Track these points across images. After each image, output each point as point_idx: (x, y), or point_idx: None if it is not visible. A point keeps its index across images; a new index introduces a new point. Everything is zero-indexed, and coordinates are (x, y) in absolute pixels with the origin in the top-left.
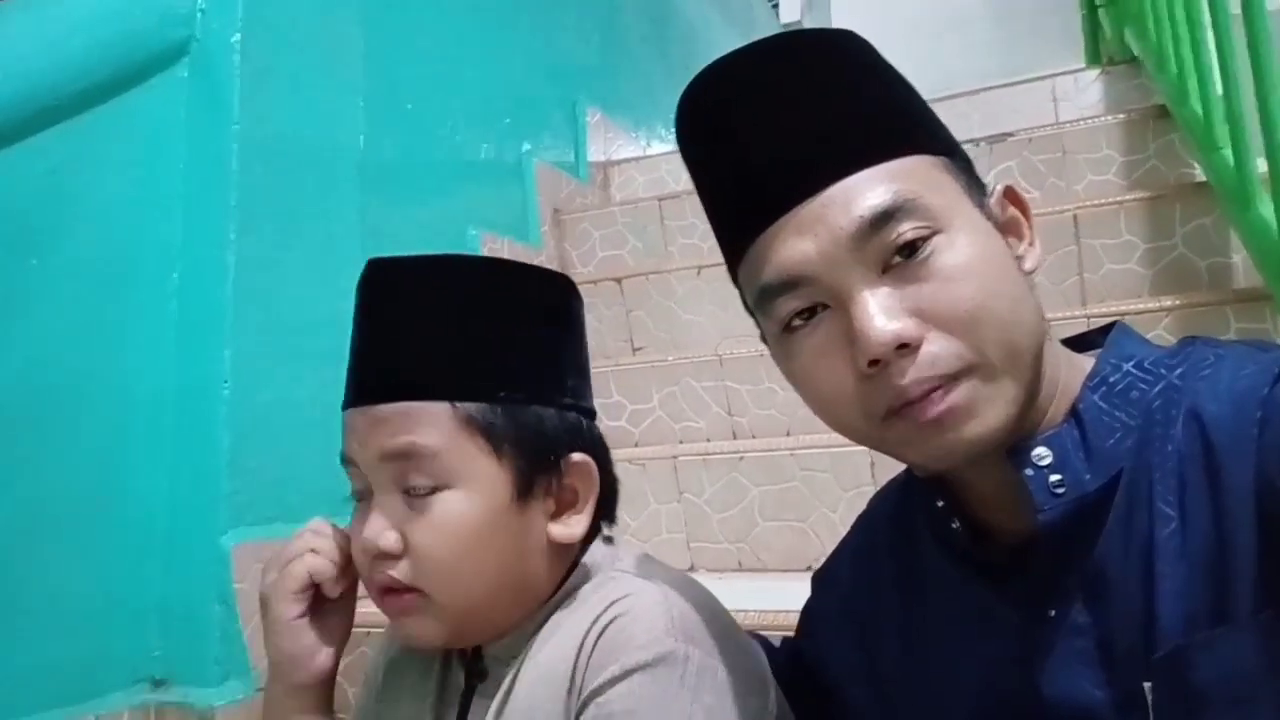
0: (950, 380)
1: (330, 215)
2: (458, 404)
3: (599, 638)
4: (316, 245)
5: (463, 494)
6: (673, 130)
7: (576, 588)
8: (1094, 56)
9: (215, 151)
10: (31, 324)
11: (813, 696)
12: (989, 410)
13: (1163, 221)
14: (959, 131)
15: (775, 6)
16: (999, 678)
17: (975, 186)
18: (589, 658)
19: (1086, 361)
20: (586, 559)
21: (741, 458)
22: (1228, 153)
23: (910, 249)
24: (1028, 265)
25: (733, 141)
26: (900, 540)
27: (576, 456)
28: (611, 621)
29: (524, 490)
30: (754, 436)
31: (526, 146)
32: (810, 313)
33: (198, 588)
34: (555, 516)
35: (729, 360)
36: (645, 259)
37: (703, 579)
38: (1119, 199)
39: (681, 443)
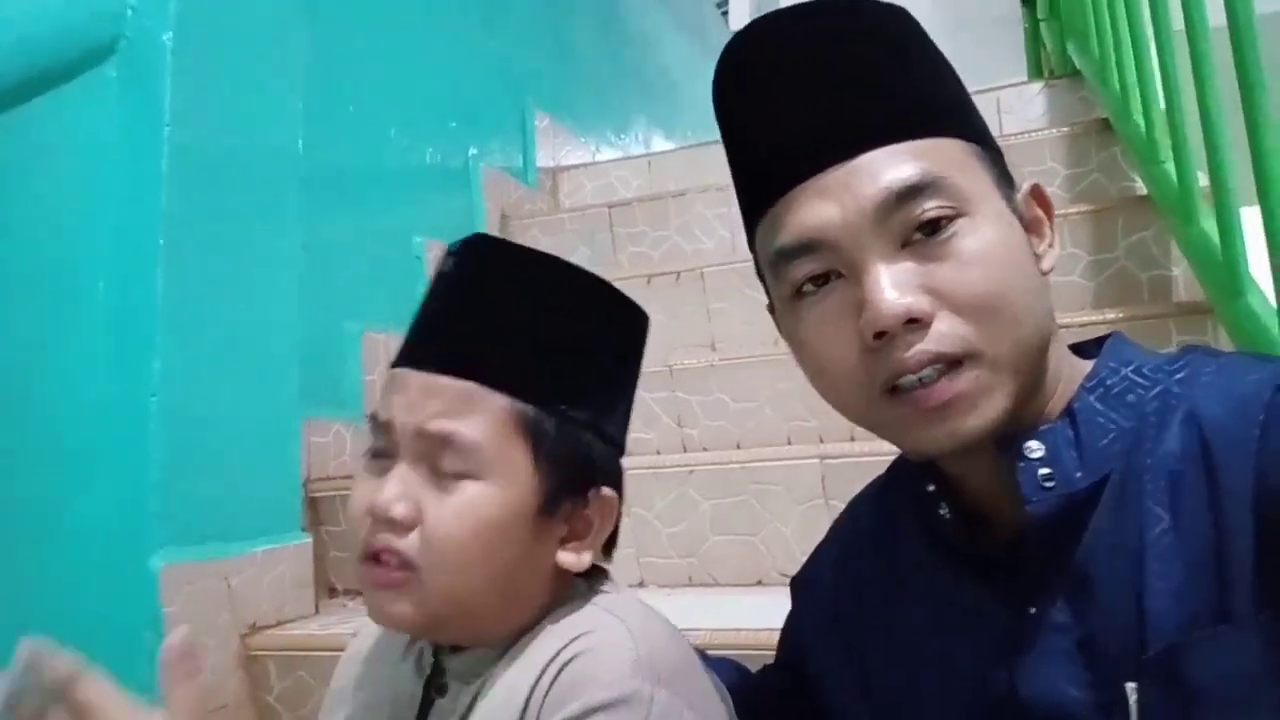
0: (953, 365)
1: (268, 222)
2: (516, 400)
3: (559, 672)
4: (254, 253)
5: (491, 488)
6: (622, 136)
7: (547, 614)
8: (1036, 70)
9: (145, 154)
10: None
11: (810, 704)
12: (988, 402)
13: (1106, 234)
14: None
15: (725, 14)
16: (989, 676)
17: (1005, 179)
18: (545, 693)
19: (1087, 365)
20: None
21: (692, 471)
22: (1170, 167)
23: (932, 227)
24: (1045, 265)
25: (769, 99)
26: (884, 540)
27: (606, 491)
28: (574, 657)
29: (548, 508)
30: (705, 449)
31: (473, 151)
32: (824, 280)
33: (125, 611)
34: (565, 543)
35: (679, 371)
36: (594, 267)
37: (652, 595)
38: (1063, 211)
39: (631, 455)
